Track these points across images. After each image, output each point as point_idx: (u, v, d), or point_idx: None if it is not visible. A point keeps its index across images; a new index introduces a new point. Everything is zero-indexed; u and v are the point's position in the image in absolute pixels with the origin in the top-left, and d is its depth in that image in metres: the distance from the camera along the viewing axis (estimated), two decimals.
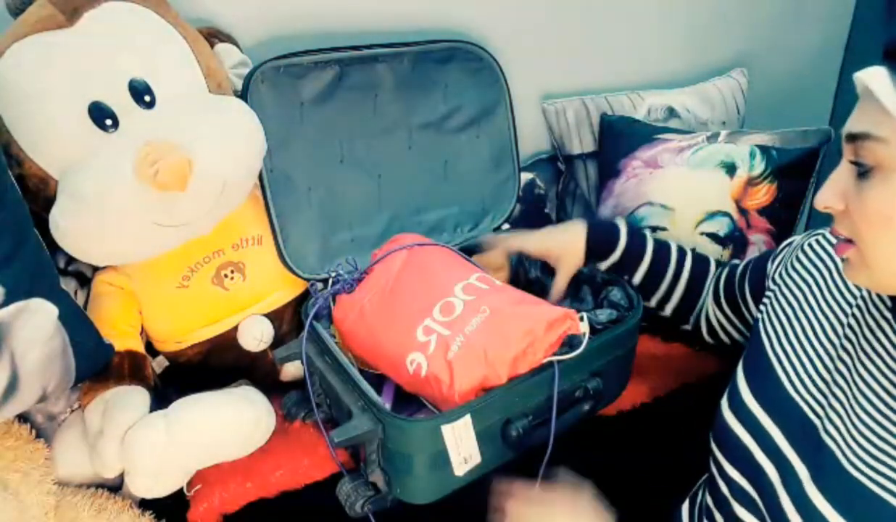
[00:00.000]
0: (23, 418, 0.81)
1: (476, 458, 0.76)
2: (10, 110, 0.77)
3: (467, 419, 0.74)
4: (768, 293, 0.76)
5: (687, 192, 1.17)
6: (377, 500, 0.78)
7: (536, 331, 0.78)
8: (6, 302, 0.65)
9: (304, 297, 1.00)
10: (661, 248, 0.96)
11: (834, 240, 0.70)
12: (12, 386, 0.65)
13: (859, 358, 0.61)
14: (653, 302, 0.97)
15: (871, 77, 0.51)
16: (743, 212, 1.14)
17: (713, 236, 1.15)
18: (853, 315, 0.65)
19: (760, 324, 0.73)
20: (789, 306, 0.71)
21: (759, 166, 1.13)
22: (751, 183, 1.14)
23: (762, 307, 0.75)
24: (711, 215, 1.15)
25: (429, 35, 1.09)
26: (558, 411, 0.81)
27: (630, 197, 1.21)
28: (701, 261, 0.97)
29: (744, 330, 0.89)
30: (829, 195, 0.56)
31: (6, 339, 0.64)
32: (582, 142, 1.32)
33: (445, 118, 1.12)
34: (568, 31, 1.31)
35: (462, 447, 0.75)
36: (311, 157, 1.00)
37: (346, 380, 0.82)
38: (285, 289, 0.99)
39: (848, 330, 0.64)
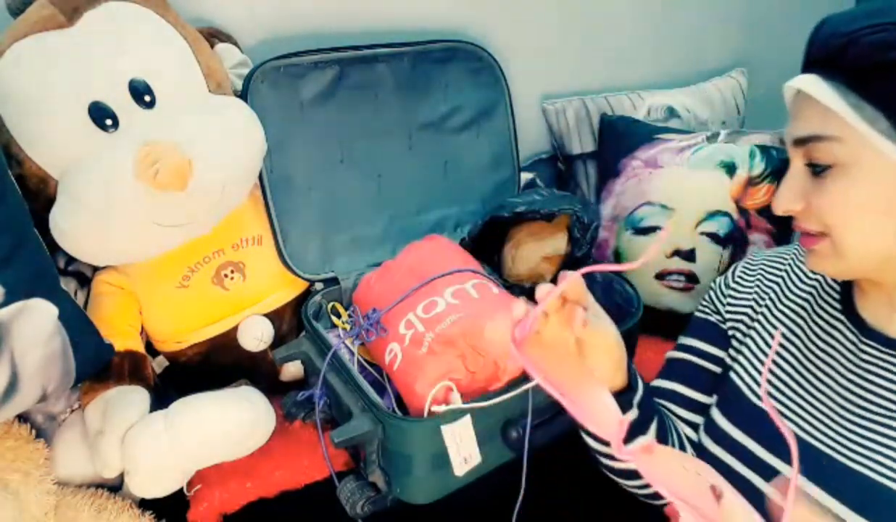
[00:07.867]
0: (23, 418, 0.80)
1: (476, 458, 0.76)
2: (10, 110, 0.77)
3: (467, 419, 0.74)
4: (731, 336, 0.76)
5: (687, 192, 1.17)
6: (377, 500, 0.78)
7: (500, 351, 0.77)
8: (6, 302, 0.65)
9: (304, 297, 1.00)
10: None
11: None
12: (12, 386, 0.65)
13: (812, 351, 0.66)
14: None
15: (807, 84, 0.56)
16: (743, 212, 1.14)
17: (713, 236, 1.15)
18: (799, 315, 0.69)
19: (732, 372, 0.73)
20: (752, 338, 0.72)
21: (759, 166, 1.13)
22: (751, 183, 1.14)
23: (731, 352, 0.75)
24: (711, 215, 1.15)
25: (429, 35, 1.09)
26: (559, 411, 0.81)
27: (630, 197, 1.21)
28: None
29: None
30: (789, 199, 0.59)
31: (6, 339, 0.64)
32: (582, 142, 1.32)
33: (445, 118, 1.12)
34: (568, 31, 1.31)
35: (462, 447, 0.75)
36: (311, 157, 1.00)
37: (346, 381, 0.82)
38: (285, 289, 0.99)
39: (796, 329, 0.68)
